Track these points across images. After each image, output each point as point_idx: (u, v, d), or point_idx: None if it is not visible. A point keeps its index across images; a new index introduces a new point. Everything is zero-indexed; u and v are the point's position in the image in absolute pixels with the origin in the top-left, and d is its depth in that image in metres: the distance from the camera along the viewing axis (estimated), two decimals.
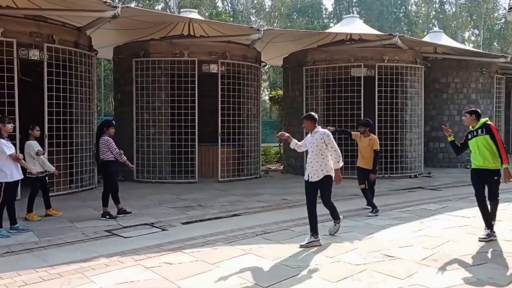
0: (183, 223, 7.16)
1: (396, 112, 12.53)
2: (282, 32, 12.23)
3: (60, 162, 9.37)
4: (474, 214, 7.63)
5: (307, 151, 6.06)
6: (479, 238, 5.92)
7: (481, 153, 5.96)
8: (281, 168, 14.92)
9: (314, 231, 5.80)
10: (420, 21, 46.58)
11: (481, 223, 6.89)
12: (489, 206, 6.06)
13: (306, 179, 5.92)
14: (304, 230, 6.48)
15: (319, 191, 5.92)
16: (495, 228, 6.09)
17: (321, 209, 6.09)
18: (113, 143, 7.59)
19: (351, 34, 13.34)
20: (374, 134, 8.26)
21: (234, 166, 11.89)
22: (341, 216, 6.30)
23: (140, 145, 11.64)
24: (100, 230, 6.68)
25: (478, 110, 6.28)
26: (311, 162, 5.87)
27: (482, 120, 6.08)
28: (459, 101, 15.22)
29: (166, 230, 6.72)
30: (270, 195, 9.73)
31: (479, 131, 5.97)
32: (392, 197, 9.68)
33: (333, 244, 5.87)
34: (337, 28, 13.69)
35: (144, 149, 11.58)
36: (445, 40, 16.12)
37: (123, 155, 7.65)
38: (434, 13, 46.97)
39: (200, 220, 7.37)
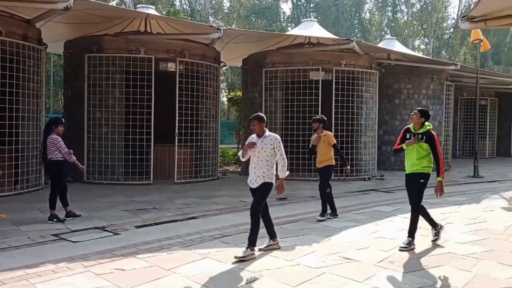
0: (137, 227, 6.87)
1: (351, 116, 12.71)
2: (242, 33, 12.13)
3: (4, 161, 8.81)
4: None
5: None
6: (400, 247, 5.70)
7: (413, 156, 5.76)
8: (239, 169, 14.79)
9: (271, 235, 5.68)
10: (374, 28, 47.93)
11: None
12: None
13: (251, 186, 5.53)
14: (262, 232, 6.36)
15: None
16: (445, 232, 6.23)
17: (283, 211, 6.02)
18: (62, 142, 7.20)
19: (309, 38, 13.43)
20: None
21: (191, 167, 11.63)
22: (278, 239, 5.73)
23: (91, 145, 11.16)
24: (47, 234, 6.29)
25: (428, 111, 5.97)
26: (255, 168, 5.44)
27: (427, 125, 5.78)
28: (410, 106, 15.63)
29: (118, 234, 6.42)
30: (228, 197, 9.58)
31: (419, 136, 5.71)
32: (348, 199, 9.78)
33: (292, 247, 5.81)
34: (296, 31, 13.74)
35: (96, 149, 11.11)
36: (398, 47, 16.57)
37: (72, 155, 7.27)
38: (386, 21, 48.48)
39: (155, 223, 7.11)
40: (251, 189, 5.56)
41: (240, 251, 5.28)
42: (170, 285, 4.43)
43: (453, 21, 47.40)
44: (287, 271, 4.86)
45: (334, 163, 7.93)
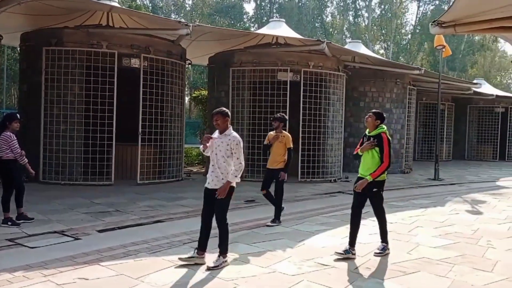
0: (99, 231, 6.47)
1: (319, 117, 12.68)
2: (210, 30, 11.83)
3: None
4: (395, 219, 7.83)
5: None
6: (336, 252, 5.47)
7: (365, 161, 5.58)
8: (203, 170, 14.45)
9: (201, 247, 5.11)
10: (336, 31, 48.66)
11: (405, 229, 7.10)
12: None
13: (206, 186, 5.11)
14: (233, 237, 6.14)
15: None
16: (420, 238, 6.20)
17: (252, 214, 5.80)
18: (16, 140, 6.70)
19: (277, 38, 13.30)
20: (289, 133, 7.58)
21: (154, 167, 11.20)
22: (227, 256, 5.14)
23: (48, 143, 10.53)
24: (1, 239, 5.80)
25: (383, 114, 5.78)
26: (212, 166, 5.08)
27: (380, 128, 5.57)
28: (375, 109, 15.79)
29: (79, 239, 6.01)
30: (194, 199, 9.23)
31: (372, 139, 5.52)
32: (316, 202, 9.69)
33: (265, 252, 5.60)
34: (264, 31, 13.57)
35: (53, 147, 10.50)
36: (364, 51, 16.75)
37: (24, 157, 6.77)
38: (347, 24, 49.34)
39: (119, 228, 6.72)
40: (206, 189, 5.11)
41: (210, 260, 5.01)
42: None
43: (411, 27, 48.92)
44: (264, 279, 4.65)
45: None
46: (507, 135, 23.94)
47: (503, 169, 19.54)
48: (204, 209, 5.17)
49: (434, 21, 7.57)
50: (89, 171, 10.53)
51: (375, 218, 7.75)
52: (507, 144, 24.08)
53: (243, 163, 5.05)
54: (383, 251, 5.62)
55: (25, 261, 4.92)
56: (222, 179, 5.00)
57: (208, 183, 5.09)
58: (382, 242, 5.74)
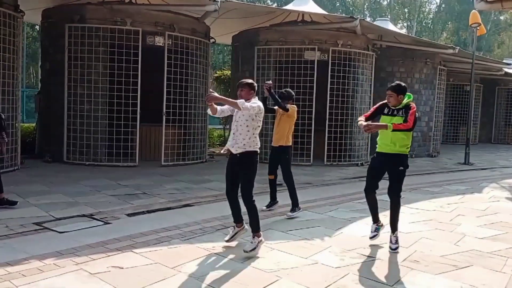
0: (129, 215, 6.26)
1: (347, 99, 12.24)
2: (238, 6, 11.33)
3: None
4: (433, 207, 7.49)
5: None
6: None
7: (391, 134, 4.93)
8: (226, 152, 14.19)
9: (236, 219, 5.14)
10: (356, 10, 47.45)
11: (446, 217, 6.74)
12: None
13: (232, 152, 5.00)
14: (266, 224, 5.89)
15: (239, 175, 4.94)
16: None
17: (281, 199, 5.49)
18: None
19: (303, 14, 12.80)
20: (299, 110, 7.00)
21: (179, 149, 10.95)
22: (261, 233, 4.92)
23: (72, 123, 10.34)
24: (27, 223, 5.62)
25: (403, 84, 5.12)
26: (233, 134, 4.99)
27: (406, 100, 5.02)
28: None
29: (109, 223, 5.80)
30: (220, 182, 8.91)
31: (399, 111, 4.98)
32: (345, 187, 9.37)
33: (303, 241, 5.32)
34: (291, 7, 13.04)
35: (77, 127, 10.30)
36: (392, 29, 16.11)
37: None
38: (367, 3, 48.04)
39: (148, 211, 6.50)
40: (231, 157, 5.02)
41: (247, 244, 4.82)
42: None
43: (435, 5, 47.42)
44: (306, 271, 4.37)
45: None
46: None
47: None
48: (227, 182, 5.14)
49: None
50: (114, 152, 10.33)
51: (410, 206, 7.51)
52: None
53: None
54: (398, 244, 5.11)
55: (55, 247, 4.72)
56: (244, 144, 4.87)
57: (235, 149, 4.96)
58: (393, 232, 5.21)
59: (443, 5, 46.53)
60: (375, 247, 5.18)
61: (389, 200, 5.24)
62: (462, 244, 5.41)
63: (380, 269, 4.49)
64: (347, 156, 12.43)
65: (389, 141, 5.02)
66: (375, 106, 5.32)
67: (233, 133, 4.98)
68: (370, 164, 5.41)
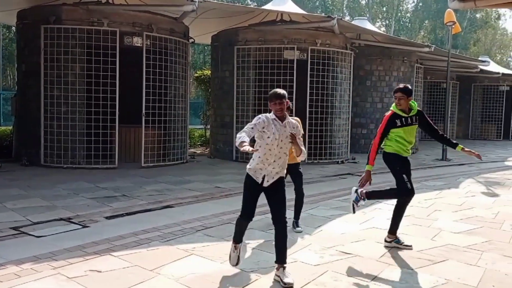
0: (107, 217, 6.20)
1: (326, 97, 12.34)
2: (217, 6, 11.30)
3: None
4: (412, 203, 7.56)
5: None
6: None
7: (412, 137, 4.99)
8: (207, 152, 14.18)
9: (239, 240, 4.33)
10: (335, 9, 47.80)
11: (423, 213, 6.86)
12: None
13: (259, 182, 4.07)
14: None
15: (268, 198, 4.16)
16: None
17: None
18: None
19: (282, 14, 12.85)
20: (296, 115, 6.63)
21: (159, 150, 10.89)
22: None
23: (49, 125, 10.19)
24: (4, 228, 5.52)
25: (409, 86, 5.02)
26: (274, 162, 4.02)
27: (413, 103, 4.96)
28: (381, 88, 15.53)
29: (87, 226, 5.74)
30: (201, 183, 9.00)
31: (414, 119, 4.92)
32: (326, 184, 9.45)
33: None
34: (269, 7, 13.08)
35: (54, 130, 10.17)
36: (370, 28, 16.29)
37: None
38: (347, 2, 48.46)
39: (127, 214, 6.45)
40: (259, 186, 4.08)
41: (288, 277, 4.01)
42: None
43: (413, 4, 48.09)
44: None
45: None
46: None
47: (509, 148, 19.35)
48: (248, 208, 4.19)
49: None
50: (92, 154, 10.21)
51: (389, 202, 7.58)
52: (511, 123, 23.85)
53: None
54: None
55: (32, 252, 4.65)
56: (281, 171, 4.11)
57: (268, 180, 4.06)
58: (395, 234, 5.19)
59: (420, 4, 47.20)
60: (353, 244, 5.24)
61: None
62: (439, 239, 5.51)
63: (359, 266, 4.55)
64: (328, 154, 12.55)
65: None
66: (383, 123, 4.95)
67: (274, 161, 4.04)
68: (405, 169, 5.07)
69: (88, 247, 4.90)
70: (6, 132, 12.70)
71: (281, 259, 4.08)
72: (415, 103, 5.04)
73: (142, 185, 8.60)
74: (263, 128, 4.00)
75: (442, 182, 9.96)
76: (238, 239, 4.32)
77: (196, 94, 28.71)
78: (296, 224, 5.87)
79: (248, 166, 4.17)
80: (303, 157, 4.16)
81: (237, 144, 3.82)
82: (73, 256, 4.60)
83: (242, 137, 3.81)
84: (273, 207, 4.13)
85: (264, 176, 4.07)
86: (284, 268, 4.05)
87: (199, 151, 14.88)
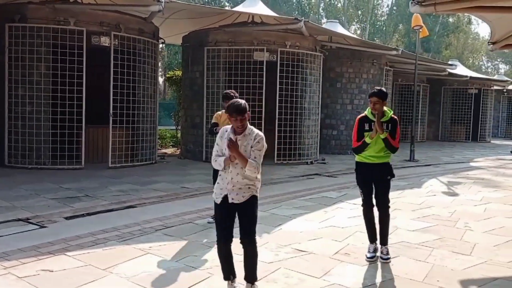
0: (67, 218, 6.15)
1: (295, 98, 12.47)
2: (184, 7, 11.32)
3: None
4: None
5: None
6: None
7: (378, 143, 4.73)
8: (178, 153, 14.14)
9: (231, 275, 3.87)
10: (312, 12, 48.25)
11: None
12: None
13: (221, 201, 3.70)
14: (205, 223, 5.94)
15: (239, 218, 3.76)
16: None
17: None
18: None
19: (253, 16, 12.94)
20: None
21: (127, 150, 10.80)
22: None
23: (13, 125, 10.02)
24: None
25: (385, 90, 4.84)
26: (233, 178, 3.65)
27: (388, 111, 4.79)
28: (351, 90, 15.76)
29: (45, 227, 5.69)
30: (168, 183, 8.99)
31: (385, 125, 4.70)
32: (293, 184, 9.54)
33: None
34: (240, 9, 13.15)
35: (19, 130, 10.00)
36: (341, 31, 16.54)
37: None
38: (323, 5, 48.99)
39: (88, 214, 6.41)
40: (223, 206, 3.70)
41: None
42: None
43: (388, 8, 48.91)
44: (239, 267, 4.44)
45: None
46: (480, 116, 24.34)
47: (476, 149, 19.87)
48: (224, 231, 3.73)
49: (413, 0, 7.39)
50: (58, 155, 10.08)
51: (352, 201, 7.75)
52: (479, 125, 24.50)
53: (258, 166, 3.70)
54: (389, 255, 4.75)
55: None
56: (250, 187, 3.69)
57: (233, 198, 3.67)
58: (385, 245, 4.78)
59: (395, 8, 48.02)
60: (310, 242, 5.33)
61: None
62: (394, 236, 5.64)
63: (312, 263, 4.63)
64: (297, 155, 12.66)
65: (382, 151, 4.77)
66: (356, 125, 4.84)
67: (232, 178, 3.68)
68: (361, 178, 4.93)
69: (43, 247, 4.86)
70: None
71: (249, 277, 3.83)
72: (391, 110, 4.90)
73: (108, 185, 8.54)
74: (220, 142, 3.71)
75: (406, 182, 10.18)
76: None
77: (171, 95, 28.57)
78: None
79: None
80: (250, 171, 3.61)
81: (220, 166, 3.66)
82: (26, 256, 4.56)
83: (219, 160, 3.66)
84: (241, 225, 3.77)
85: (226, 195, 3.68)
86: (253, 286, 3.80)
87: (170, 152, 14.83)
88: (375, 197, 4.87)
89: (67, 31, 9.93)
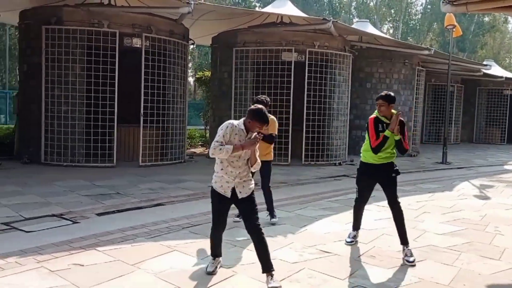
0: (98, 214, 6.35)
1: (324, 99, 12.42)
2: (213, 9, 11.49)
3: None
4: (402, 205, 7.63)
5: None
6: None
7: (388, 144, 4.89)
8: (206, 152, 14.31)
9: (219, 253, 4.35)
10: (343, 11, 47.80)
11: (412, 215, 6.91)
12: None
13: (228, 196, 4.06)
14: (231, 222, 6.01)
15: (242, 211, 4.23)
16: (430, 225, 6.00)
17: None
18: None
19: (282, 17, 12.95)
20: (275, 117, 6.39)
21: (157, 149, 11.04)
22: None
23: (49, 124, 10.39)
24: None
25: (392, 94, 4.99)
26: (240, 173, 4.01)
27: (395, 112, 4.92)
28: (381, 91, 15.07)
29: (77, 222, 5.89)
30: (196, 182, 9.12)
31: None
32: (320, 186, 9.52)
33: (266, 238, 5.44)
34: (269, 10, 13.20)
35: (55, 128, 10.36)
36: (371, 30, 16.34)
37: None
38: (355, 4, 48.44)
39: (118, 211, 6.60)
40: (224, 199, 4.10)
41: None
42: (135, 284, 3.99)
43: (421, 7, 47.96)
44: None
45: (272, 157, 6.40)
46: None
47: (511, 152, 19.25)
48: (220, 219, 4.30)
49: None
50: (91, 153, 10.40)
51: (380, 203, 7.66)
52: None
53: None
54: (414, 256, 4.73)
55: (20, 246, 4.80)
56: (252, 183, 4.13)
57: (240, 192, 4.05)
58: (406, 245, 4.84)
59: (429, 7, 47.04)
60: (335, 243, 5.32)
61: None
62: (421, 240, 5.57)
63: (336, 264, 4.63)
64: (325, 156, 12.61)
65: (389, 152, 4.92)
66: (371, 126, 4.98)
67: (239, 172, 4.02)
68: (366, 178, 5.14)
69: (75, 242, 5.04)
70: (8, 131, 12.93)
71: (265, 267, 3.98)
72: (396, 112, 4.94)
73: (138, 183, 8.74)
74: (230, 137, 3.92)
75: (437, 185, 9.99)
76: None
77: (201, 95, 28.92)
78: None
79: (212, 182, 4.15)
80: (254, 169, 4.11)
81: (228, 153, 3.84)
82: (59, 251, 4.74)
83: (226, 147, 3.84)
84: (248, 217, 4.06)
85: (234, 188, 4.00)
86: (271, 276, 3.93)
87: (198, 151, 15.02)
88: (386, 197, 5.04)
89: (100, 33, 10.22)
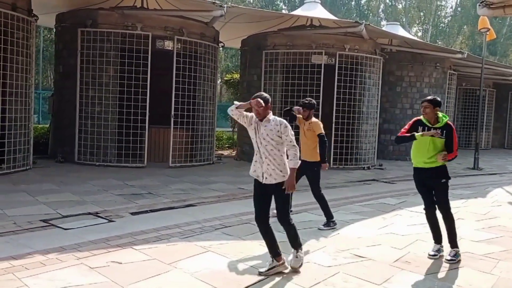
0: (132, 213, 6.47)
1: (353, 102, 12.32)
2: (245, 11, 11.59)
3: None
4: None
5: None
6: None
7: (429, 149, 4.86)
8: (234, 154, 14.40)
9: (274, 252, 4.39)
10: (371, 14, 47.36)
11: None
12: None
13: (259, 180, 4.37)
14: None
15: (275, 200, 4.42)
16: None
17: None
18: None
19: (312, 20, 12.93)
20: (320, 119, 6.59)
21: (186, 151, 11.17)
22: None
23: (83, 124, 10.64)
24: (35, 220, 5.86)
25: (438, 98, 5.01)
26: (266, 158, 4.29)
27: (443, 117, 4.92)
28: (412, 94, 15.35)
29: (113, 221, 6.01)
30: (225, 184, 9.19)
31: (439, 131, 4.80)
32: (350, 190, 9.45)
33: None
34: (299, 12, 13.21)
35: (88, 129, 10.60)
36: (402, 33, 16.15)
37: None
38: (383, 6, 47.92)
39: (151, 211, 6.71)
40: (259, 185, 4.38)
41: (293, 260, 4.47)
42: (172, 283, 4.06)
43: (451, 9, 47.07)
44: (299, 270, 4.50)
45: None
46: None
47: None
48: (261, 208, 4.46)
49: (482, 2, 7.13)
50: (123, 153, 10.60)
51: (412, 209, 7.57)
52: None
53: (296, 145, 4.32)
54: (455, 258, 4.86)
55: (59, 243, 4.94)
56: (281, 171, 4.30)
57: (266, 178, 4.32)
58: (453, 247, 4.93)
59: (459, 9, 46.14)
60: (369, 248, 5.28)
61: None
62: None
63: (371, 269, 4.60)
64: (354, 160, 12.51)
65: (434, 157, 4.87)
66: (410, 123, 5.06)
67: (261, 158, 4.34)
68: (417, 182, 5.15)
69: (112, 240, 5.15)
70: (43, 130, 13.30)
71: (292, 245, 4.56)
72: (446, 116, 4.98)
73: (168, 184, 8.87)
74: (250, 124, 4.42)
75: (470, 191, 9.78)
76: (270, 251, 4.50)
77: (227, 98, 29.07)
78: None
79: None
80: (292, 163, 4.30)
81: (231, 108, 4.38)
82: (97, 248, 4.85)
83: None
84: (276, 207, 4.50)
85: (263, 173, 4.35)
86: (297, 251, 4.49)
87: (226, 153, 15.11)
88: (436, 200, 5.07)
89: (134, 36, 10.42)
